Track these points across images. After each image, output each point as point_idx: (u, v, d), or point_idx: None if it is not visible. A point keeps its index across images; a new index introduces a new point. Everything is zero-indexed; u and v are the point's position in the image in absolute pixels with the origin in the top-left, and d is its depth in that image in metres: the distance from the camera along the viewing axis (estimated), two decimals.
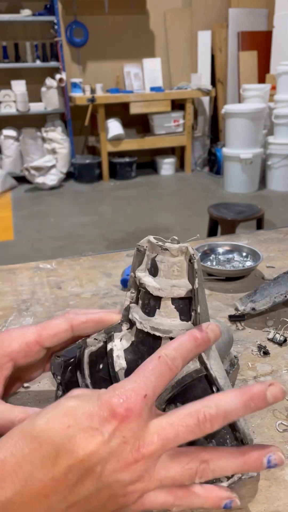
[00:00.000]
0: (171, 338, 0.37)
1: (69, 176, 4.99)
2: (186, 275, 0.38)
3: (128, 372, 0.39)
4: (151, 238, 0.38)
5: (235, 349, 0.58)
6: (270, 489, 0.38)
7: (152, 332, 0.38)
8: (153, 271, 0.38)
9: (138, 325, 0.38)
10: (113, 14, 4.94)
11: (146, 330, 0.38)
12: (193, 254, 0.37)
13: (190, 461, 0.31)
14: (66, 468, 0.28)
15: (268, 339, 0.59)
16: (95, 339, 0.41)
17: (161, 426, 0.31)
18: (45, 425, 0.29)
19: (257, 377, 0.52)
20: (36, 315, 0.68)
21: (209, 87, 4.93)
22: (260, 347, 0.57)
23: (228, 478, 0.35)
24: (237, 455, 0.32)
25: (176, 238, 0.39)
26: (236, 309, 0.66)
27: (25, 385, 0.51)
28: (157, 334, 0.38)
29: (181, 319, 0.38)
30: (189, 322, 0.38)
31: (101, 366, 0.40)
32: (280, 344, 0.58)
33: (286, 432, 0.44)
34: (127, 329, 0.41)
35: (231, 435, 0.36)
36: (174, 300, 0.38)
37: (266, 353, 0.56)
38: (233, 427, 0.35)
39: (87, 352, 0.40)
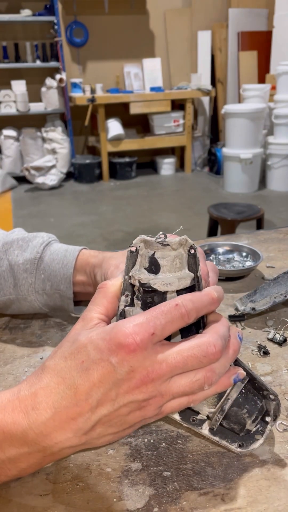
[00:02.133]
0: (183, 328, 0.39)
1: (69, 176, 4.99)
2: (186, 265, 0.39)
3: None
4: (145, 236, 0.38)
5: None
6: (270, 489, 0.38)
7: None
8: (154, 268, 0.38)
9: None
10: (113, 14, 4.94)
11: None
12: (193, 244, 0.38)
13: (197, 373, 0.35)
14: (86, 395, 0.34)
15: (268, 339, 0.59)
16: None
17: (170, 355, 0.34)
18: (64, 363, 0.35)
19: None
20: (36, 314, 0.68)
21: (209, 87, 4.93)
22: (260, 347, 0.57)
23: (262, 434, 0.40)
24: (227, 355, 0.37)
25: (163, 233, 0.40)
26: (236, 309, 0.66)
27: None
28: None
29: None
30: None
31: None
32: (280, 344, 0.58)
33: (286, 432, 0.44)
34: None
35: (259, 397, 0.41)
36: (179, 292, 0.38)
37: (266, 353, 0.56)
38: (256, 386, 0.41)
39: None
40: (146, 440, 0.44)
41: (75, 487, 0.39)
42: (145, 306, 0.39)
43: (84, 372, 0.34)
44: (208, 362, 0.35)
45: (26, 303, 0.60)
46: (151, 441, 0.44)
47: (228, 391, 0.39)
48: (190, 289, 0.39)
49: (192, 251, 0.38)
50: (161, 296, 0.38)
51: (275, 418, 0.41)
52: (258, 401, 0.40)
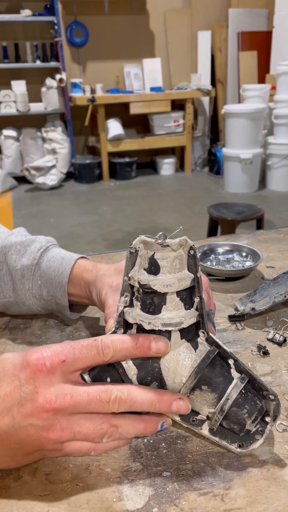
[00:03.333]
0: (182, 329, 0.39)
1: (69, 176, 4.99)
2: (186, 266, 0.39)
3: (140, 376, 0.40)
4: (145, 237, 0.38)
5: (235, 349, 0.58)
6: (270, 489, 0.38)
7: (164, 328, 0.38)
8: (154, 269, 0.38)
9: (147, 326, 0.38)
10: (113, 14, 4.94)
11: (157, 328, 0.38)
12: (193, 245, 0.38)
13: (102, 423, 0.37)
14: None
15: (268, 339, 0.59)
16: None
17: (77, 391, 0.36)
18: None
19: None
20: (36, 314, 0.68)
21: (209, 87, 4.93)
22: (259, 347, 0.57)
23: (262, 434, 0.41)
24: (140, 422, 0.39)
25: (163, 233, 0.40)
26: (236, 309, 0.66)
27: None
28: (170, 329, 0.38)
29: (186, 308, 0.39)
30: (193, 309, 0.40)
31: (108, 379, 0.40)
32: (280, 344, 0.58)
33: (286, 432, 0.44)
34: (123, 333, 0.41)
35: (259, 397, 0.41)
36: (179, 292, 0.38)
37: (265, 353, 0.56)
38: (257, 387, 0.41)
39: (86, 374, 0.40)
40: (145, 440, 0.44)
41: (75, 487, 0.39)
42: (145, 307, 0.39)
43: None
44: (109, 410, 0.36)
45: (24, 306, 0.62)
46: (151, 441, 0.44)
47: (228, 391, 0.39)
48: (190, 289, 0.39)
49: (192, 252, 0.38)
50: (161, 297, 0.38)
51: (275, 418, 0.41)
52: (258, 401, 0.40)
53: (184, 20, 5.13)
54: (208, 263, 0.81)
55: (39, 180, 4.62)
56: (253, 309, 0.63)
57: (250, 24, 5.07)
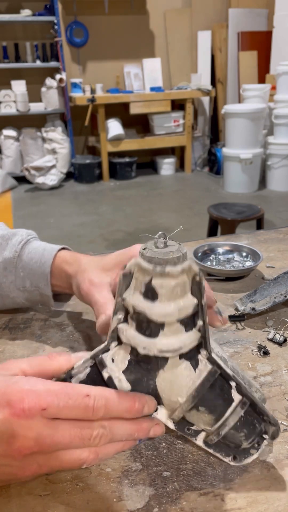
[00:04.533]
0: (182, 355, 0.35)
1: (69, 176, 4.99)
2: (189, 290, 0.35)
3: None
4: (142, 262, 0.33)
5: (235, 349, 0.58)
6: (270, 489, 0.38)
7: (161, 355, 0.35)
8: (151, 295, 0.34)
9: (142, 351, 0.34)
10: (113, 14, 4.94)
11: (152, 354, 0.34)
12: (199, 272, 0.33)
13: (82, 453, 0.34)
14: None
15: (268, 339, 0.59)
16: (80, 365, 0.37)
17: (58, 431, 0.33)
18: None
19: (257, 377, 0.52)
20: (36, 315, 0.68)
21: (209, 87, 4.93)
22: (260, 347, 0.57)
23: (257, 449, 0.39)
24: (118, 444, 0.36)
25: (163, 232, 0.37)
26: (236, 309, 0.66)
27: None
28: (167, 355, 0.35)
29: (186, 330, 0.35)
30: (194, 330, 0.35)
31: None
32: (280, 344, 0.58)
33: (286, 432, 0.44)
34: (116, 346, 0.37)
35: (258, 420, 0.38)
36: (181, 320, 0.35)
37: (266, 353, 0.56)
38: (258, 412, 0.38)
39: (74, 381, 0.37)
40: (146, 440, 0.44)
41: (75, 487, 0.39)
42: (140, 329, 0.35)
43: None
44: (90, 445, 0.34)
45: (9, 299, 0.63)
46: (151, 441, 0.44)
47: (226, 415, 0.36)
48: (193, 316, 0.35)
49: (197, 279, 0.34)
50: (158, 327, 0.34)
51: (273, 438, 0.39)
52: (257, 425, 0.38)
53: (184, 20, 5.13)
54: (208, 263, 0.81)
55: (39, 180, 4.62)
56: (253, 309, 0.63)
57: (250, 24, 5.07)
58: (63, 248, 0.61)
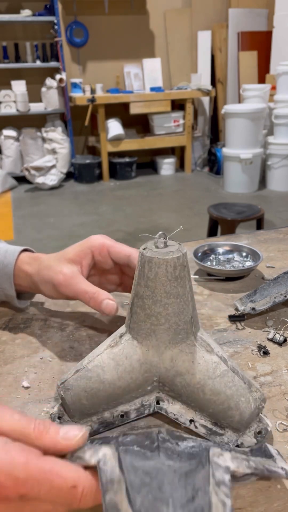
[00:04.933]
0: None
1: (69, 176, 4.99)
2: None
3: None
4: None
5: (235, 349, 0.58)
6: (270, 489, 0.38)
7: None
8: None
9: None
10: (113, 14, 4.94)
11: None
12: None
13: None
14: None
15: (268, 339, 0.59)
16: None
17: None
18: None
19: (257, 377, 0.52)
20: (36, 314, 0.68)
21: (209, 87, 4.93)
22: (260, 347, 0.57)
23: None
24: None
25: (163, 233, 0.38)
26: (236, 309, 0.66)
27: (25, 385, 0.52)
28: None
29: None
30: None
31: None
32: (280, 344, 0.58)
33: (286, 432, 0.44)
34: None
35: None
36: None
37: (266, 353, 0.56)
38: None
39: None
40: None
41: None
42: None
43: None
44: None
45: None
46: None
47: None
48: None
49: None
50: None
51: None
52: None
53: (184, 20, 5.13)
54: (208, 263, 0.81)
55: (39, 180, 4.62)
56: (253, 309, 0.63)
57: (250, 24, 5.07)
58: (25, 250, 0.63)
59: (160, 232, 0.38)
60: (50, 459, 0.29)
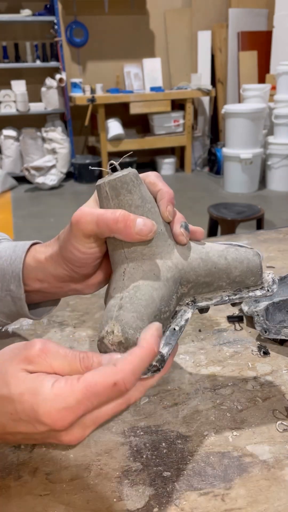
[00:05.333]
0: None
1: (69, 176, 4.98)
2: None
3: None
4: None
5: (235, 349, 0.58)
6: (270, 489, 0.38)
7: None
8: None
9: None
10: (113, 14, 4.94)
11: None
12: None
13: (115, 405, 0.34)
14: (11, 435, 0.35)
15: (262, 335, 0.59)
16: None
17: (99, 419, 0.33)
18: (16, 395, 0.33)
19: (257, 377, 0.52)
20: None
21: (209, 87, 4.93)
22: (260, 347, 0.57)
23: None
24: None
25: (111, 162, 0.41)
26: (240, 310, 0.66)
27: None
28: None
29: None
30: None
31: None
32: (281, 344, 0.58)
33: (286, 432, 0.44)
34: None
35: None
36: None
37: (266, 353, 0.56)
38: None
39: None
40: (146, 440, 0.44)
41: (75, 487, 0.39)
42: None
43: (12, 422, 0.33)
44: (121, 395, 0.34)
45: None
46: (151, 441, 0.44)
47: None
48: None
49: None
50: None
51: None
52: None
53: (184, 20, 5.13)
54: None
55: (39, 180, 4.62)
56: (265, 331, 0.59)
57: (250, 24, 5.07)
58: (37, 243, 0.52)
59: (109, 162, 0.41)
60: (86, 376, 0.32)
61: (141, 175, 0.45)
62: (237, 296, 0.45)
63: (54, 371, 0.34)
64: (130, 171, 0.42)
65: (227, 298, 0.45)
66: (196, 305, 0.44)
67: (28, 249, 0.50)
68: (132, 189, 0.41)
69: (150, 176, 0.45)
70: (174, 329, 0.40)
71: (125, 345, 0.36)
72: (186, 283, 0.43)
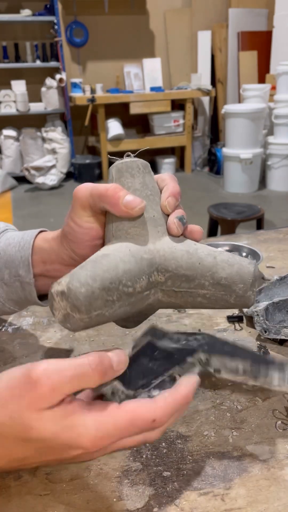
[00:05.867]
0: None
1: (69, 176, 4.98)
2: None
3: None
4: None
5: None
6: (270, 489, 0.38)
7: None
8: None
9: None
10: (113, 14, 4.94)
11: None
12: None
13: (138, 437, 0.33)
14: (32, 463, 0.34)
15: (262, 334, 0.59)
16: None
17: (120, 442, 0.33)
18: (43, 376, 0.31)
19: None
20: (36, 314, 0.68)
21: (209, 87, 4.93)
22: (260, 347, 0.57)
23: None
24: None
25: (129, 153, 0.42)
26: (240, 309, 0.66)
27: None
28: None
29: None
30: None
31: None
32: (281, 343, 0.58)
33: (286, 432, 0.44)
34: None
35: None
36: None
37: (266, 353, 0.56)
38: None
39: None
40: None
41: (75, 487, 0.39)
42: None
43: (38, 455, 0.33)
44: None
45: None
46: None
47: None
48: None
49: None
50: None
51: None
52: None
53: (184, 20, 5.13)
54: None
55: (39, 180, 4.62)
56: (265, 331, 0.60)
57: (250, 24, 5.07)
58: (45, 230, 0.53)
59: (126, 153, 0.43)
60: (126, 406, 0.32)
61: (157, 175, 0.47)
62: (253, 373, 0.40)
63: (69, 395, 0.32)
64: (140, 160, 0.43)
65: (241, 371, 0.40)
66: (209, 364, 0.40)
67: (36, 235, 0.51)
68: (136, 174, 0.43)
69: (164, 174, 0.47)
70: (175, 377, 0.37)
71: (66, 296, 0.35)
72: (164, 271, 0.40)
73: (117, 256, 0.38)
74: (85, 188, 0.44)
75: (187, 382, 0.35)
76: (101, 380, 0.32)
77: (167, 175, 0.47)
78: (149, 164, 0.44)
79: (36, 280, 0.50)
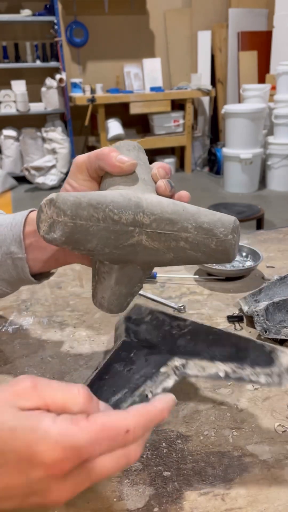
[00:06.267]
0: None
1: None
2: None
3: None
4: None
5: None
6: (270, 489, 0.38)
7: None
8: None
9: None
10: (113, 14, 4.94)
11: None
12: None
13: (119, 454, 0.31)
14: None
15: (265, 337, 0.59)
16: None
17: (98, 476, 0.30)
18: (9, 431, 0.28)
19: None
20: (36, 314, 0.68)
21: (209, 87, 4.93)
22: None
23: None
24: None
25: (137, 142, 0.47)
26: (240, 309, 0.66)
27: None
28: None
29: None
30: None
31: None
32: (281, 343, 0.58)
33: (285, 432, 0.44)
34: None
35: None
36: None
37: None
38: None
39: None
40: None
41: None
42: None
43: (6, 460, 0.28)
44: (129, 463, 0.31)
45: None
46: (151, 440, 0.44)
47: None
48: None
49: None
50: None
51: None
52: None
53: (184, 20, 5.13)
54: None
55: (39, 180, 4.62)
56: (265, 331, 0.59)
57: (250, 24, 5.07)
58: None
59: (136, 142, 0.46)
60: (97, 416, 0.30)
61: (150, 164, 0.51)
62: (235, 376, 0.39)
63: (47, 404, 0.30)
64: (136, 142, 0.47)
65: (223, 375, 0.39)
66: (185, 372, 0.39)
67: (30, 212, 0.53)
68: (131, 150, 0.47)
69: (156, 162, 0.51)
70: (147, 395, 0.37)
71: (54, 202, 0.39)
72: (150, 214, 0.41)
73: (107, 191, 0.42)
74: (84, 154, 0.48)
75: (164, 398, 0.33)
76: (85, 405, 0.30)
77: (158, 162, 0.50)
78: (143, 148, 0.49)
79: (28, 254, 0.50)
